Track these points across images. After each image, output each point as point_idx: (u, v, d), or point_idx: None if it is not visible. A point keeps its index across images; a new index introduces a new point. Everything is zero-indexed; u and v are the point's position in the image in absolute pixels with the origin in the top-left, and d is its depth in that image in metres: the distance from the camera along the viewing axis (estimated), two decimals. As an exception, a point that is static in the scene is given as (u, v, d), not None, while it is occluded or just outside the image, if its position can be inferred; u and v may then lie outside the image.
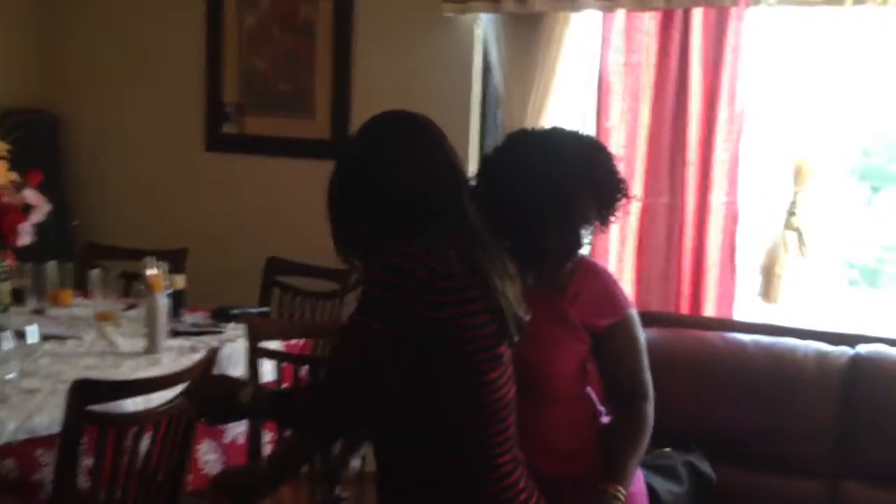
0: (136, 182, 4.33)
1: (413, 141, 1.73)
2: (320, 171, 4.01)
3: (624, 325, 2.09)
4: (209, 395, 1.74)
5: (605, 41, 3.37)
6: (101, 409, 2.09)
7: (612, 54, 3.37)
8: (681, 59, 3.26)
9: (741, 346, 2.86)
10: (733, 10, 3.15)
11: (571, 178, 1.97)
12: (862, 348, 2.81)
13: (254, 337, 2.70)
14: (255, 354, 2.70)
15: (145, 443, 2.19)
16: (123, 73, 4.32)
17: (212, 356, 2.36)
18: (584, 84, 3.45)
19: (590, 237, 2.07)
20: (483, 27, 3.59)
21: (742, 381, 2.79)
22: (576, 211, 1.99)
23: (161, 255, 3.37)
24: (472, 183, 2.11)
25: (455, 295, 1.60)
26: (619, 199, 2.04)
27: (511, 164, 2.01)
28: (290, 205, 4.02)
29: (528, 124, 3.44)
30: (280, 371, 2.72)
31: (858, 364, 2.76)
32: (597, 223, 2.06)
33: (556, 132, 2.08)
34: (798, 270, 3.16)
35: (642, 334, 2.11)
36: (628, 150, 3.35)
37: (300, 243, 3.89)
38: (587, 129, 3.44)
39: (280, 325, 2.82)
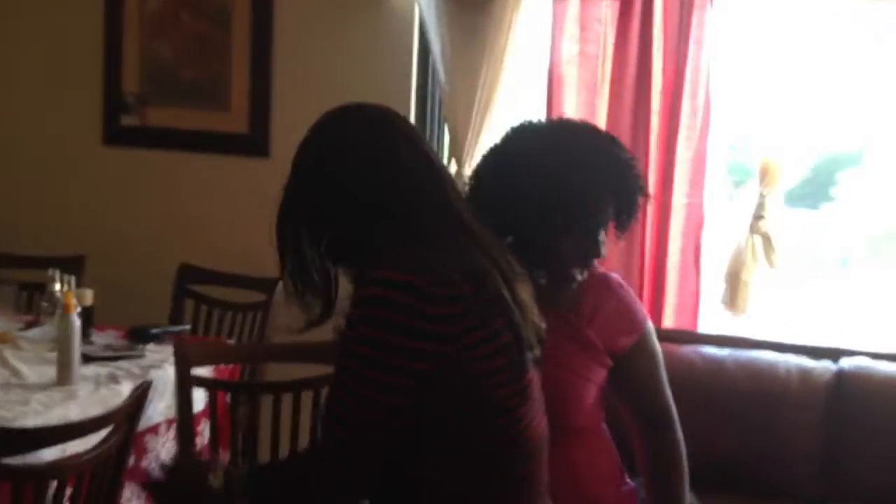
0: (24, 179, 3.90)
1: (380, 133, 1.49)
2: (237, 168, 3.79)
3: (644, 342, 1.92)
4: (173, 486, 1.48)
5: (557, 29, 3.20)
6: (17, 460, 1.77)
7: (566, 44, 3.19)
8: (640, 51, 3.11)
9: (719, 363, 2.73)
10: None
11: (589, 175, 1.76)
12: (845, 363, 2.72)
13: (183, 363, 2.39)
14: (186, 383, 2.39)
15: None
16: (9, 58, 3.89)
17: (143, 391, 2.06)
18: (536, 76, 3.26)
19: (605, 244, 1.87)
20: (422, 12, 3.36)
21: (722, 401, 2.66)
22: (594, 213, 1.79)
23: (55, 263, 3.03)
24: (468, 184, 1.90)
25: (461, 321, 1.35)
26: (638, 200, 1.84)
27: (519, 161, 1.78)
28: (204, 206, 3.71)
29: (474, 120, 3.26)
30: (215, 400, 2.43)
31: (843, 380, 2.67)
32: (612, 227, 1.86)
33: (566, 124, 1.88)
34: (764, 277, 3.05)
35: (659, 347, 1.94)
36: (584, 148, 3.18)
37: (216, 249, 3.61)
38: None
39: (212, 349, 2.53)
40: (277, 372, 2.60)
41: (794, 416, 2.63)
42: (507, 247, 1.57)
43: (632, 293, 1.98)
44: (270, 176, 3.71)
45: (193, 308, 3.44)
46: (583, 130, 1.85)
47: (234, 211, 3.67)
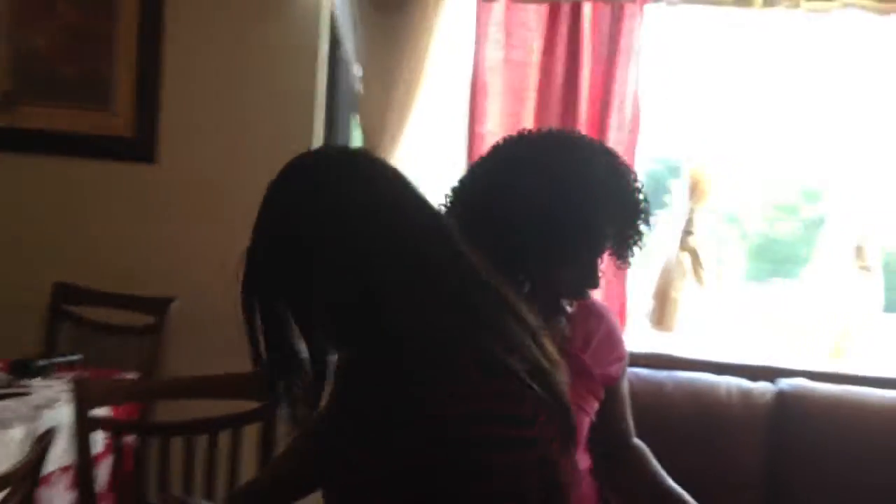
0: None
1: (369, 179, 1.28)
2: (121, 175, 3.47)
3: (626, 369, 1.86)
4: None
5: (480, 34, 3.06)
6: None
7: (490, 49, 3.06)
8: (568, 59, 3.01)
9: (658, 384, 2.65)
10: (628, 8, 2.94)
11: (601, 200, 1.61)
12: (784, 383, 2.68)
13: (82, 404, 2.11)
14: (87, 426, 2.12)
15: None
16: None
17: (47, 444, 1.79)
18: (458, 81, 3.11)
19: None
20: (334, 9, 3.15)
21: (662, 425, 2.56)
22: (599, 240, 1.64)
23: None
24: (447, 200, 1.71)
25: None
26: (642, 228, 1.70)
27: (524, 181, 1.60)
28: (83, 217, 3.38)
29: (389, 128, 3.09)
30: (119, 443, 2.17)
31: (784, 402, 2.63)
32: (611, 256, 1.71)
33: (577, 141, 1.71)
34: (694, 295, 3.01)
35: None
36: (508, 159, 3.06)
37: (97, 265, 3.29)
38: (458, 134, 3.15)
39: (116, 387, 2.25)
40: (180, 408, 2.34)
41: (738, 440, 2.58)
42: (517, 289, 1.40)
43: (615, 317, 1.88)
44: (158, 184, 3.48)
45: (71, 331, 3.14)
46: (596, 150, 1.70)
47: (118, 223, 3.36)
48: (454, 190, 1.71)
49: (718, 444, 2.57)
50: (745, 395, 2.63)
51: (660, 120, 3.04)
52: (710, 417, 2.59)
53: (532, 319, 1.28)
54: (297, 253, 1.24)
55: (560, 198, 1.58)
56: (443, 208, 1.69)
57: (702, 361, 2.78)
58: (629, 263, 1.74)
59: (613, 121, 2.99)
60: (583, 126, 3.01)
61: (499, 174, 1.65)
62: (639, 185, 1.69)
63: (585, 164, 1.62)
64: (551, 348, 1.27)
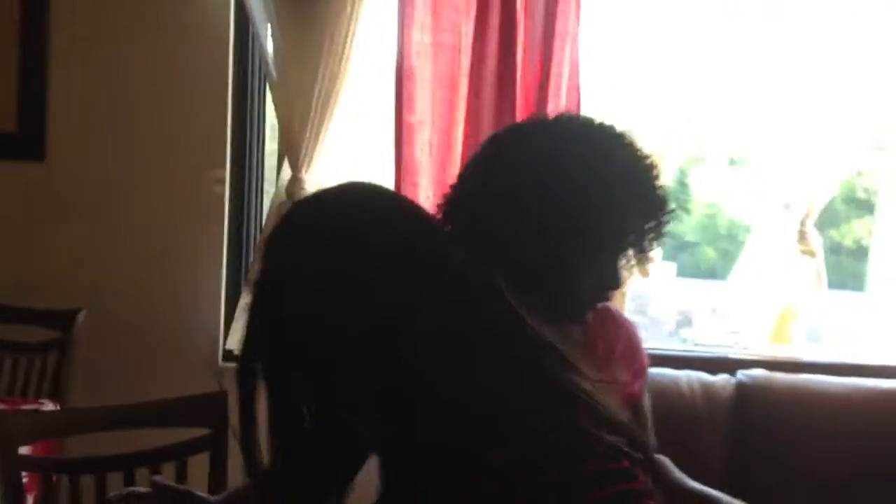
0: None
1: (407, 223, 1.12)
2: (5, 175, 3.17)
3: (646, 379, 1.72)
4: None
5: (405, 16, 2.91)
6: None
7: (416, 33, 2.92)
8: (502, 42, 2.90)
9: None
10: (563, -14, 2.86)
11: (621, 190, 1.45)
12: (743, 375, 2.67)
13: (8, 443, 1.88)
14: (14, 467, 1.88)
15: None
16: None
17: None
18: (386, 70, 2.96)
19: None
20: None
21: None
22: (620, 236, 1.48)
23: None
24: (446, 205, 1.54)
25: None
26: (664, 220, 1.57)
27: (532, 173, 1.44)
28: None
29: (313, 119, 2.92)
30: (49, 485, 1.93)
31: (745, 394, 2.62)
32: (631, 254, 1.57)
33: (578, 123, 1.56)
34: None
35: None
36: (440, 149, 2.94)
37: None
38: (386, 124, 3.01)
39: (42, 420, 2.00)
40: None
41: (702, 434, 2.57)
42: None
43: (631, 321, 1.76)
44: (47, 184, 3.19)
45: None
46: (614, 138, 1.55)
47: (7, 228, 3.06)
48: (450, 194, 1.55)
49: (684, 440, 2.51)
50: (707, 388, 2.61)
51: (600, 103, 2.97)
52: (674, 413, 2.55)
53: (590, 373, 1.15)
54: (322, 310, 1.05)
55: (578, 195, 1.44)
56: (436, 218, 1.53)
57: (659, 355, 2.74)
58: (651, 260, 1.62)
59: (551, 107, 2.91)
60: (519, 113, 2.91)
61: (504, 172, 1.49)
62: (658, 173, 1.56)
63: (605, 156, 1.49)
64: (613, 401, 1.15)
